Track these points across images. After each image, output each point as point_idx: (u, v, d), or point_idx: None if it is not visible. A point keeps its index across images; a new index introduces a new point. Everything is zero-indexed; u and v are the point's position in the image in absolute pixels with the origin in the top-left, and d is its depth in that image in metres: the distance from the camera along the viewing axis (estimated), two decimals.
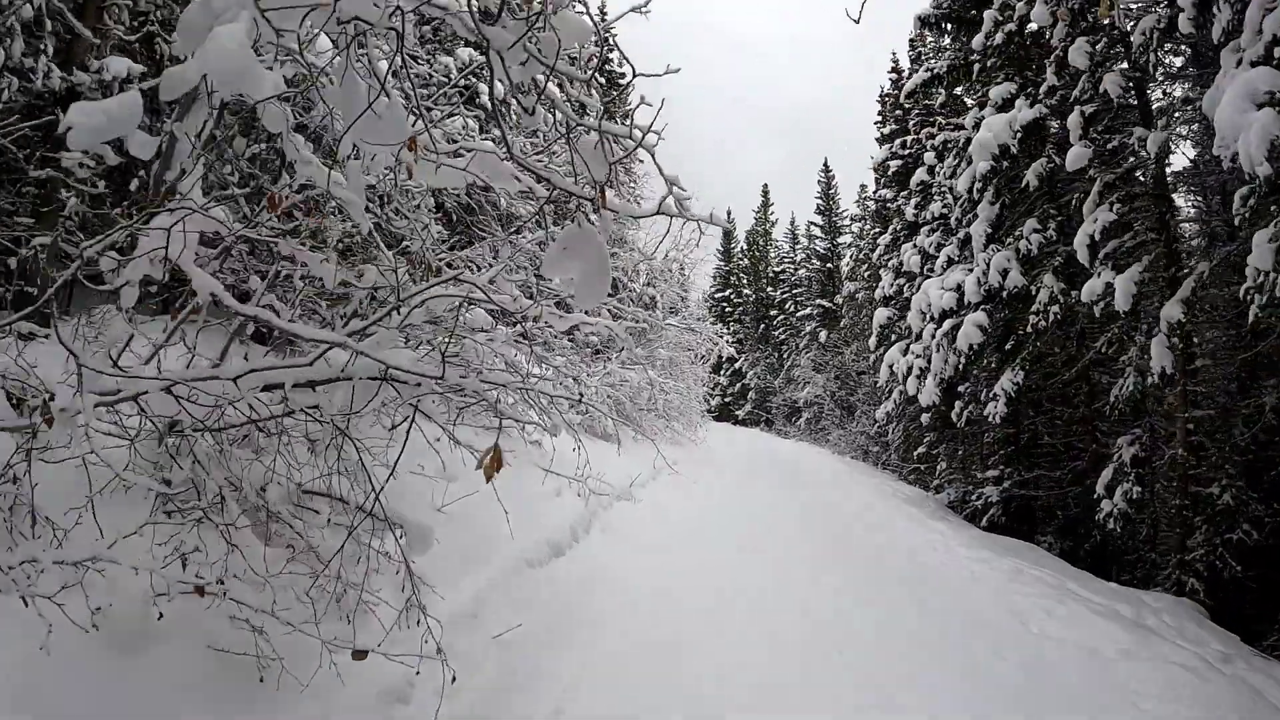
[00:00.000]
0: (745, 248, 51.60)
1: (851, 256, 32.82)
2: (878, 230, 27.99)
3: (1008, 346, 10.43)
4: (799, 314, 42.51)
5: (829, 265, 39.77)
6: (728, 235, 51.31)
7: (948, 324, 11.45)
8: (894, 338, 19.53)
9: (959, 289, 11.35)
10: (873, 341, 19.51)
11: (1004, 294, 10.23)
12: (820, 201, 40.70)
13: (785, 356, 43.54)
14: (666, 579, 6.48)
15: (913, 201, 17.55)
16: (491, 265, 6.58)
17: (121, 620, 3.05)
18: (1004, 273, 10.10)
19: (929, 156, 17.31)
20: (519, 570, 5.91)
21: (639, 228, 23.28)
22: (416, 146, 2.22)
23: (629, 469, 11.95)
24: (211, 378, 2.43)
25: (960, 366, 11.09)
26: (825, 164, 41.06)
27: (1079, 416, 11.24)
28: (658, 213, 1.93)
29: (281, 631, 3.31)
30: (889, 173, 19.95)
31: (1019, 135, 10.58)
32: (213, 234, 3.19)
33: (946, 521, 10.94)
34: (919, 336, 14.84)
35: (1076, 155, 8.92)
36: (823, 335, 37.85)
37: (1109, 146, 9.17)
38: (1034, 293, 9.96)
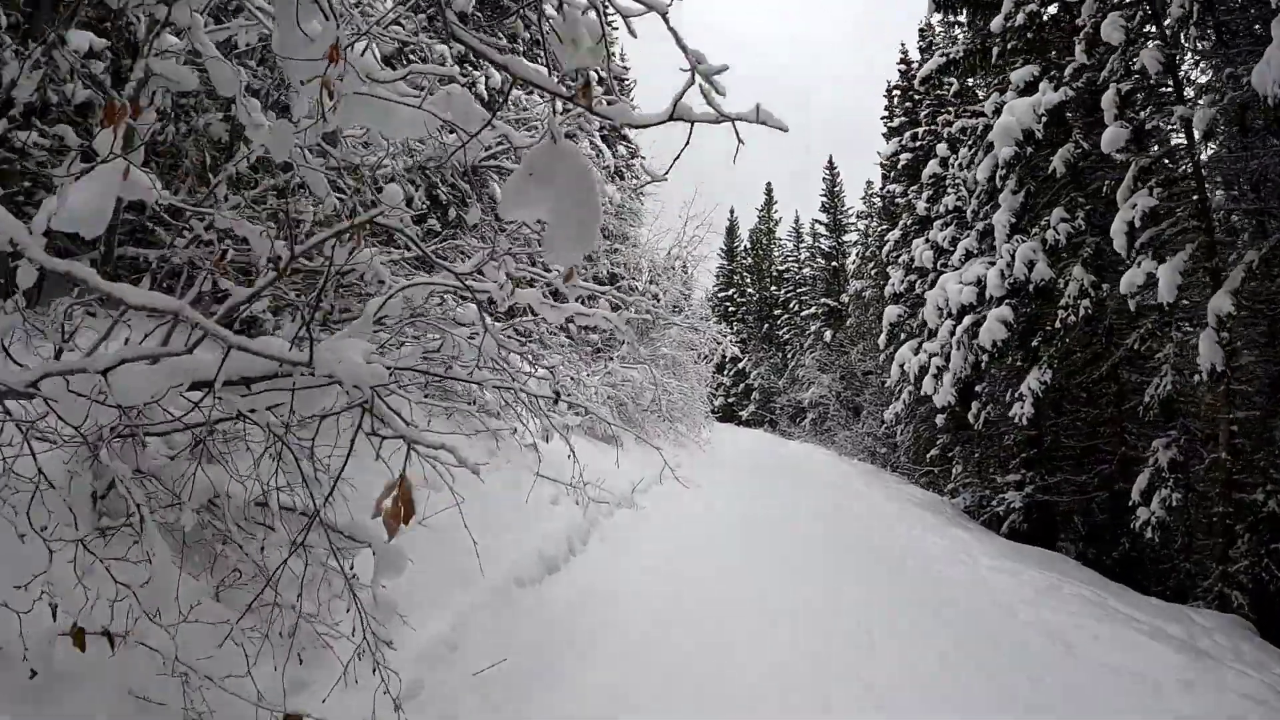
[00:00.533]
0: (749, 246, 50.98)
1: (858, 254, 32.21)
2: (885, 227, 27.37)
3: (1034, 343, 9.81)
4: (804, 313, 41.88)
5: (834, 264, 39.14)
6: (731, 234, 50.71)
7: (968, 320, 10.83)
8: (904, 336, 18.92)
9: (979, 283, 10.72)
10: (882, 340, 18.89)
11: (1030, 287, 9.60)
12: (825, 199, 40.09)
13: (789, 356, 42.92)
14: (670, 598, 5.87)
15: (924, 195, 16.93)
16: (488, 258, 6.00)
17: (21, 665, 2.46)
18: (1030, 264, 9.47)
19: (941, 148, 16.69)
20: (507, 591, 5.30)
21: (640, 223, 22.74)
22: (339, 58, 1.64)
23: (631, 473, 11.36)
24: (77, 370, 1.83)
25: (982, 364, 10.47)
26: (830, 161, 40.48)
27: (1106, 418, 10.61)
28: (673, 118, 1.31)
29: (218, 675, 2.73)
30: (898, 167, 19.33)
31: (1044, 119, 9.96)
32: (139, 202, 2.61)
33: (967, 529, 10.32)
34: (934, 334, 14.22)
35: (1112, 136, 8.30)
36: (828, 335, 37.23)
37: (1146, 127, 8.56)
38: (1062, 286, 9.34)
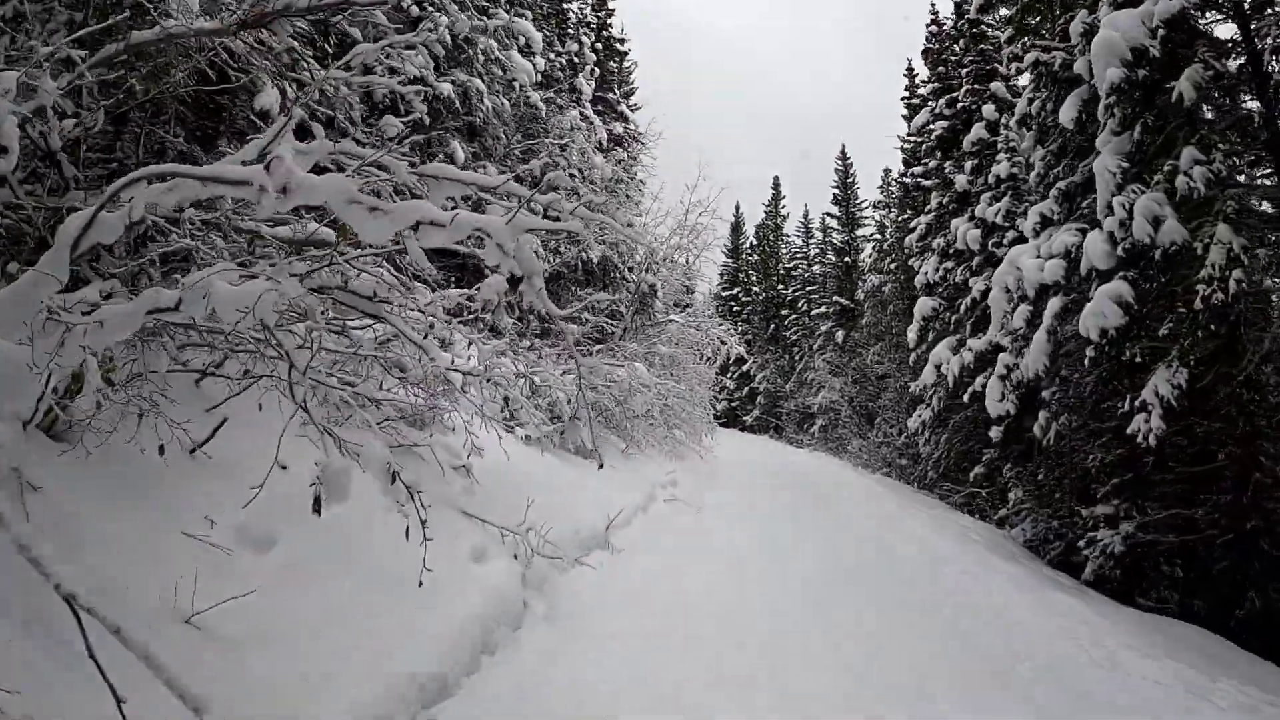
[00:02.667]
0: (755, 243, 48.45)
1: (875, 247, 29.62)
2: (907, 215, 24.79)
3: (1162, 331, 7.22)
4: (813, 312, 39.32)
5: (847, 259, 36.55)
6: (736, 230, 48.20)
7: (1055, 303, 8.23)
8: (937, 332, 16.34)
9: (1070, 254, 8.13)
10: (911, 336, 16.30)
11: (1154, 254, 7.01)
12: (837, 191, 37.53)
13: (797, 358, 40.33)
14: None
15: (967, 166, 14.35)
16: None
17: None
18: (1155, 222, 6.88)
19: (988, 110, 14.12)
20: None
21: (636, 200, 20.20)
22: None
23: (612, 498, 8.78)
24: None
25: (1087, 358, 7.84)
26: (843, 150, 37.92)
27: (1237, 433, 8.03)
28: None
29: None
30: (931, 138, 16.78)
31: (1160, 31, 7.40)
32: None
33: (1062, 587, 7.71)
34: (977, 327, 11.68)
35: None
36: (839, 335, 34.65)
37: None
38: (1199, 252, 6.77)
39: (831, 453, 29.52)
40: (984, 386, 12.68)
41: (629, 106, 25.71)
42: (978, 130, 13.99)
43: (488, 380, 7.43)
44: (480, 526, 5.63)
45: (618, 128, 22.33)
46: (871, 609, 5.66)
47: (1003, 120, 13.37)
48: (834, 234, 38.04)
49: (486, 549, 5.26)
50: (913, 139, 25.42)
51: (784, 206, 46.64)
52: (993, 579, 7.19)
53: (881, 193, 29.36)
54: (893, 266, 25.61)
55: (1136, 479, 8.76)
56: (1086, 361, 7.75)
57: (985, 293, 13.19)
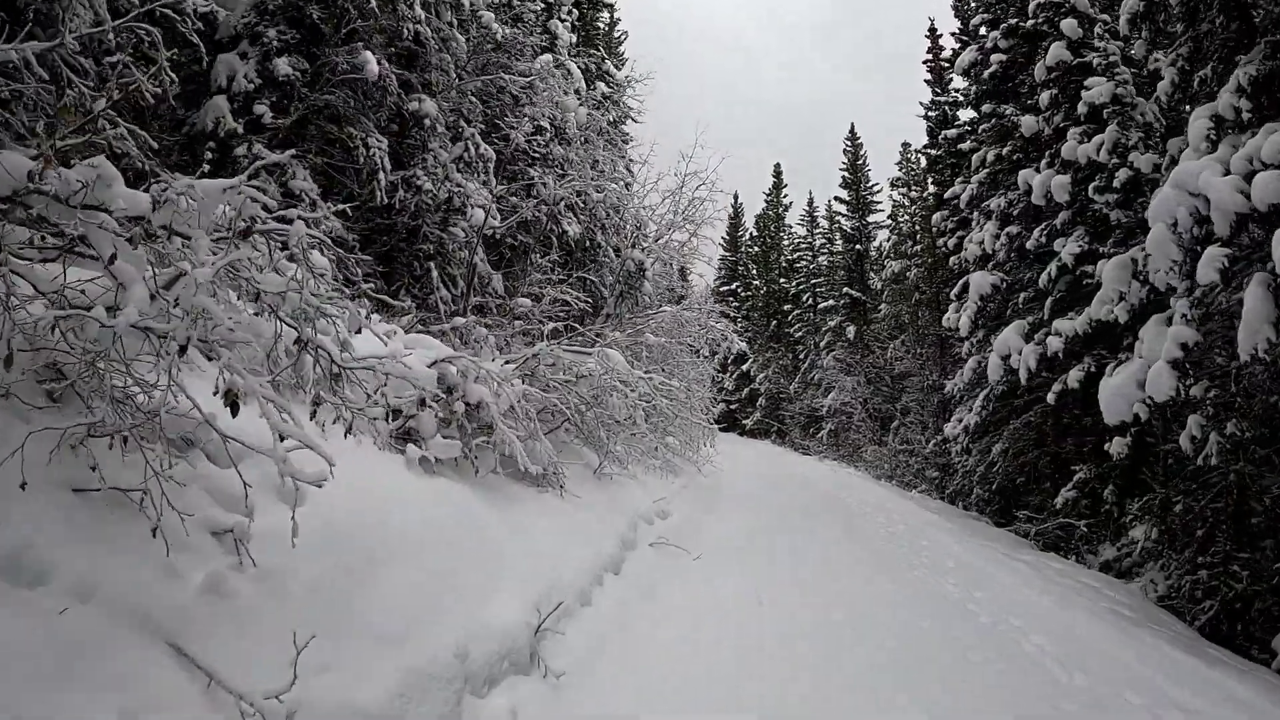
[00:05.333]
0: (755, 234, 45.22)
1: (896, 231, 26.39)
2: (934, 191, 21.59)
3: None
4: (821, 306, 36.06)
5: (858, 247, 33.31)
6: (734, 222, 44.97)
7: None
8: (990, 316, 13.12)
9: None
10: (962, 322, 13.05)
11: None
12: (846, 174, 34.27)
13: (802, 356, 37.09)
14: None
15: (1044, 98, 11.12)
16: None
17: None
18: None
19: (1068, 25, 10.90)
20: None
21: (626, 166, 16.98)
22: None
23: (565, 551, 5.58)
24: None
25: None
26: (851, 130, 34.65)
27: None
28: None
29: None
30: (984, 76, 13.54)
31: None
32: None
33: None
34: (1164, 283, 8.48)
35: None
36: (850, 330, 31.42)
37: None
38: None
39: (844, 460, 26.28)
40: (1084, 380, 9.46)
41: (615, 63, 22.28)
42: (1057, 51, 10.76)
43: (376, 371, 4.32)
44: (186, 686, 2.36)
45: (601, 88, 18.88)
46: None
47: (1096, 31, 10.15)
48: (842, 220, 34.79)
49: None
50: (940, 103, 22.28)
51: (786, 195, 43.44)
52: (1164, 685, 3.95)
53: (900, 169, 26.15)
54: (918, 249, 22.38)
55: None
56: None
57: (1083, 255, 9.97)
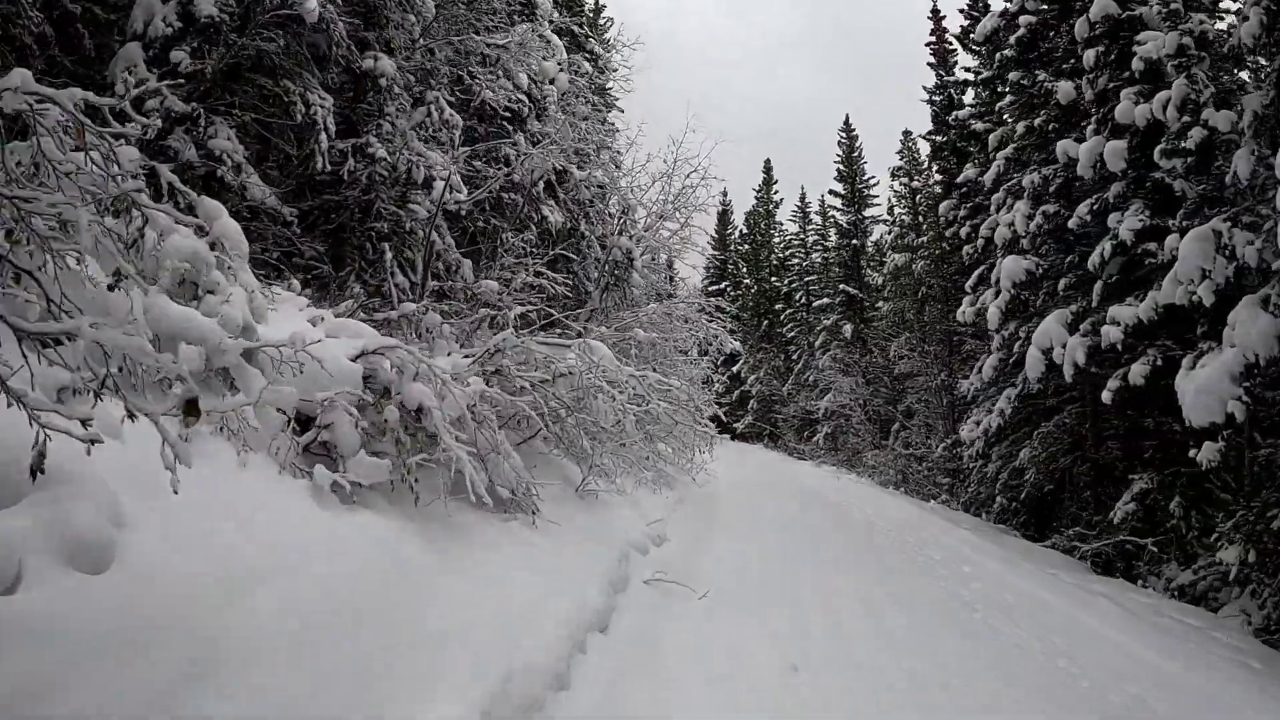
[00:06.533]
0: (745, 231, 43.84)
1: (894, 222, 25.06)
2: (940, 179, 20.25)
3: None
4: (814, 305, 34.72)
5: (854, 242, 31.99)
6: (723, 219, 43.63)
7: None
8: (1019, 306, 11.75)
9: None
10: (991, 313, 11.67)
11: None
12: (841, 167, 32.96)
13: (795, 357, 35.73)
14: None
15: (1089, 57, 9.76)
16: None
17: None
18: None
19: None
20: None
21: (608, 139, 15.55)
22: None
23: (536, 604, 4.03)
24: None
25: None
26: (846, 121, 33.34)
27: None
28: None
29: None
30: (1010, 41, 12.18)
31: None
32: None
33: None
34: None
35: None
36: (847, 329, 30.07)
37: None
38: None
39: (844, 466, 24.89)
40: (1150, 375, 8.09)
41: (600, 41, 20.77)
42: (1103, 4, 9.39)
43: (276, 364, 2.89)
44: None
45: (585, 66, 17.36)
46: None
47: None
48: (837, 214, 33.48)
49: None
50: (947, 84, 20.98)
51: (776, 192, 42.10)
52: None
53: (901, 158, 24.81)
54: (923, 241, 21.05)
55: None
56: None
57: (1145, 231, 8.60)
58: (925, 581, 7.16)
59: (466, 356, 5.79)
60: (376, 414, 4.30)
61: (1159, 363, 8.15)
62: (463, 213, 10.19)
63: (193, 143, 6.96)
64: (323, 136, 7.81)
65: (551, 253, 8.99)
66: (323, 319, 5.17)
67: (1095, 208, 9.29)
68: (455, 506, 4.65)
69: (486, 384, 5.61)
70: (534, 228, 11.30)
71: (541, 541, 5.12)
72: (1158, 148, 8.14)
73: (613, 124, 18.04)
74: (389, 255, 8.61)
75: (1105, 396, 8.67)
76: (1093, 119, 9.67)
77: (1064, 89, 10.58)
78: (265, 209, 7.69)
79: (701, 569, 6.76)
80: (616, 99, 19.81)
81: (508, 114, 9.58)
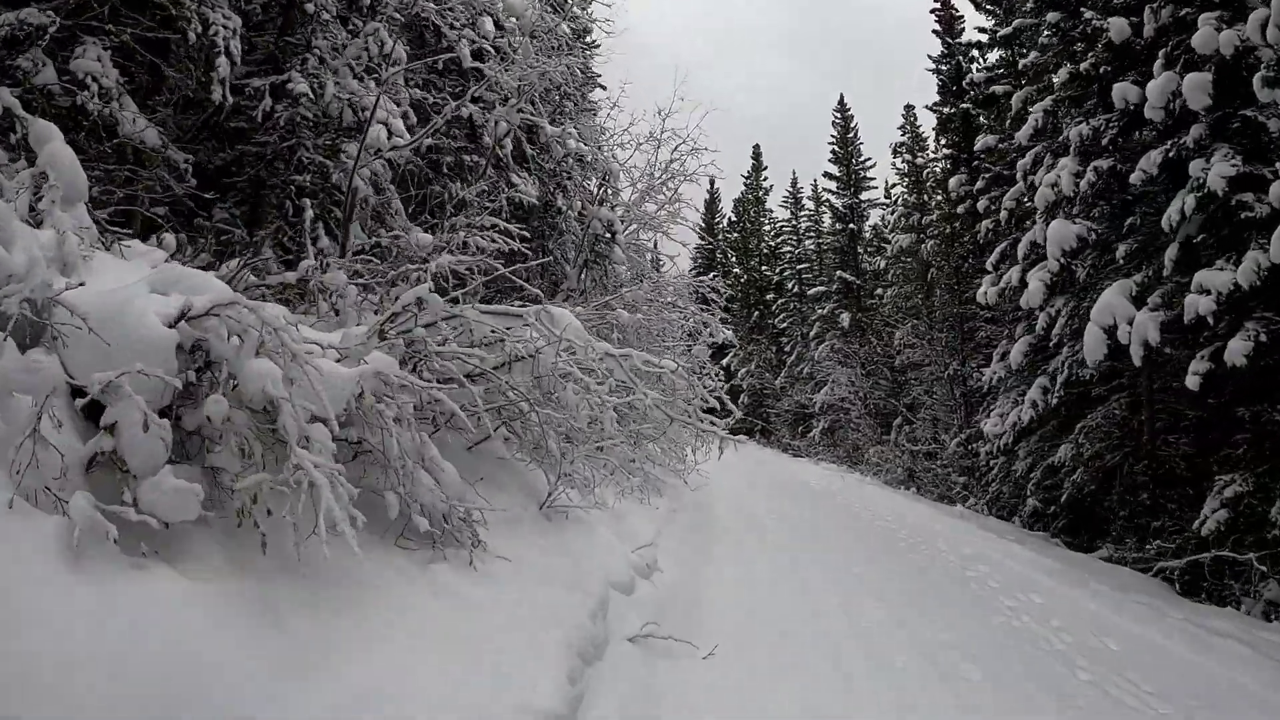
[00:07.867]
0: (734, 219, 42.24)
1: (901, 202, 23.49)
2: (949, 153, 18.65)
3: None
4: (808, 294, 33.14)
5: (850, 226, 30.42)
6: (710, 207, 41.97)
7: None
8: (1060, 281, 10.18)
9: None
10: (1033, 288, 10.10)
11: None
12: (836, 149, 31.38)
13: (788, 349, 34.18)
14: None
15: None
16: None
17: None
18: None
19: None
20: None
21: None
22: None
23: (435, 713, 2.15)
24: None
25: None
26: (841, 100, 31.76)
27: None
28: None
29: None
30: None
31: None
32: None
33: None
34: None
35: None
36: (845, 318, 28.51)
37: None
38: None
39: (844, 463, 23.35)
40: (1253, 353, 6.53)
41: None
42: None
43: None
44: None
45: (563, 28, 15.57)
46: None
47: None
48: (832, 198, 31.91)
49: None
50: (956, 49, 19.37)
51: (765, 178, 40.51)
52: None
53: (903, 132, 23.24)
54: (932, 219, 19.50)
55: None
56: None
57: (1238, 180, 7.02)
58: (992, 618, 5.57)
59: (379, 334, 4.14)
60: (191, 406, 2.67)
61: (1261, 339, 6.60)
62: (412, 170, 8.54)
63: (54, 68, 5.36)
64: (223, 62, 6.13)
65: (524, 229, 7.32)
66: (155, 270, 3.50)
67: (1170, 155, 7.72)
68: (341, 546, 2.98)
69: (407, 367, 3.97)
70: (505, 202, 9.61)
71: (479, 594, 3.47)
72: (1258, 74, 6.57)
73: (593, 102, 16.27)
74: (309, 213, 6.91)
75: (1191, 381, 7.11)
76: (1160, 54, 8.09)
77: (1117, 25, 9.01)
78: (148, 151, 6.03)
79: (704, 608, 5.18)
80: (597, 75, 18.14)
81: (462, 34, 7.91)
